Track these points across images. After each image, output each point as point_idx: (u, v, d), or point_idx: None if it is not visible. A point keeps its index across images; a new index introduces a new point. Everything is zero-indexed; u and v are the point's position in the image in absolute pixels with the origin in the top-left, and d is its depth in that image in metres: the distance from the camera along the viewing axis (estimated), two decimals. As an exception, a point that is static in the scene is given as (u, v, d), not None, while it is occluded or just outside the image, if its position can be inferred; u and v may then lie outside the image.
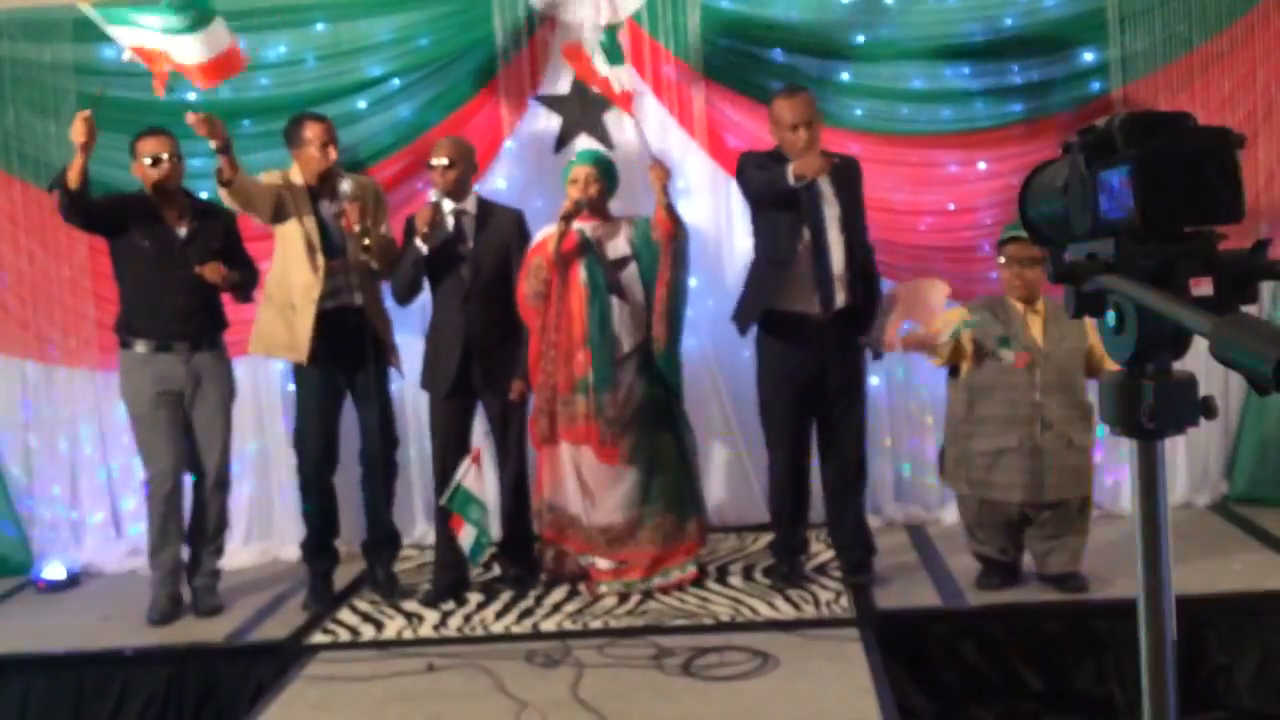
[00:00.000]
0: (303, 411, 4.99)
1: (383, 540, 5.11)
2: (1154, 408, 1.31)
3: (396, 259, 4.89)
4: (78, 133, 4.43)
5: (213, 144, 4.57)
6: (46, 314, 5.65)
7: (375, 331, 4.92)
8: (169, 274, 4.79)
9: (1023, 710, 4.29)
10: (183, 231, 4.85)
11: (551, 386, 4.80)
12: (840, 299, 4.65)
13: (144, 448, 4.94)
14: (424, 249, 4.76)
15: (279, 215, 4.83)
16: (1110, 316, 1.34)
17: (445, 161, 4.83)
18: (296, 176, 4.88)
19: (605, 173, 4.85)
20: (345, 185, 4.75)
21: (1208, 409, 1.34)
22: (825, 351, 4.66)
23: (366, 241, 4.71)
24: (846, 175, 4.71)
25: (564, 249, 4.76)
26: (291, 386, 5.18)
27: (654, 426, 4.82)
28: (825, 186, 4.66)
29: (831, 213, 4.66)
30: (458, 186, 4.87)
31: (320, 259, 4.80)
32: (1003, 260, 4.48)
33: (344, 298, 4.85)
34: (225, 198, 4.72)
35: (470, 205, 4.93)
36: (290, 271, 4.84)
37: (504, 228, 4.96)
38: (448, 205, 4.85)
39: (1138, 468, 1.38)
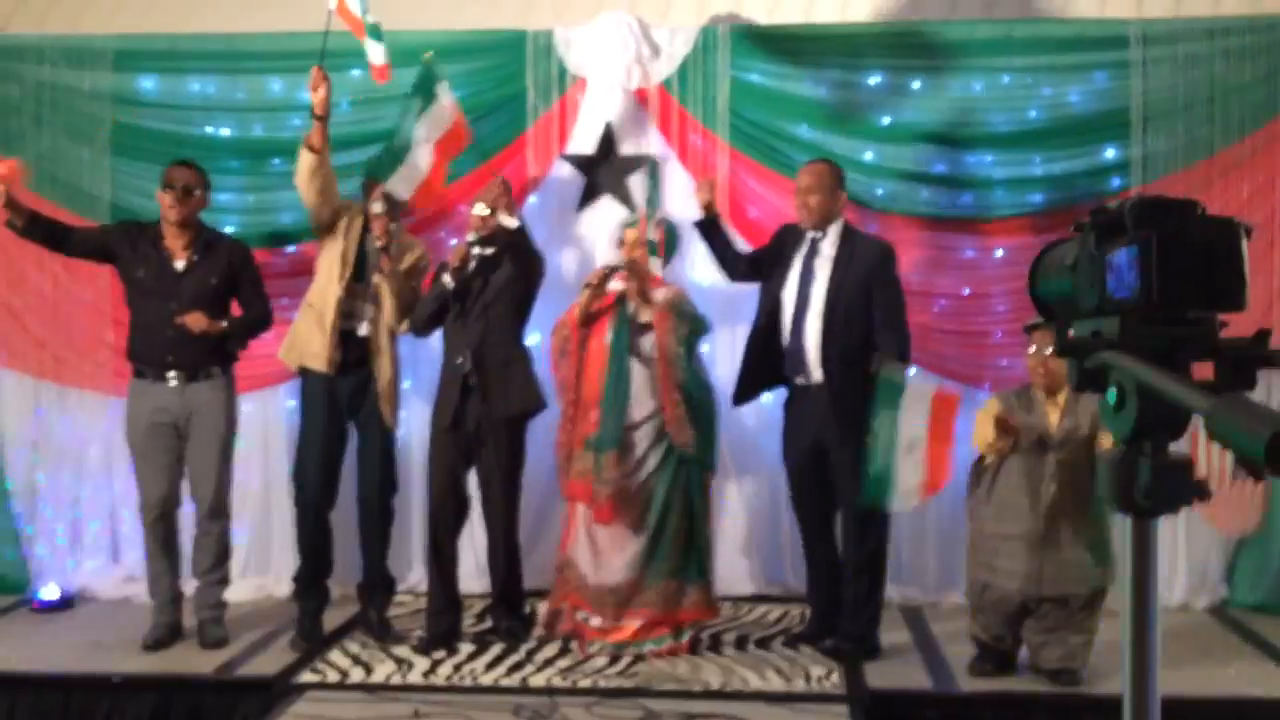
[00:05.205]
0: (306, 441, 5.01)
1: (378, 583, 5.13)
2: (1149, 486, 1.33)
3: (411, 298, 4.99)
4: None
5: (317, 110, 4.72)
6: (65, 336, 5.69)
7: (383, 371, 4.96)
8: (164, 306, 4.82)
9: (1008, 800, 4.26)
10: (180, 265, 4.87)
11: (568, 445, 4.86)
12: (815, 375, 4.67)
13: (138, 476, 4.98)
14: (450, 284, 4.84)
15: (334, 228, 4.93)
16: (1111, 393, 1.36)
17: (487, 211, 4.89)
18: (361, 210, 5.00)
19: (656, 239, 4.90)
20: (378, 206, 4.85)
21: (1202, 491, 1.36)
22: (824, 426, 4.67)
23: (386, 255, 4.82)
24: (856, 258, 4.70)
25: (594, 309, 4.84)
26: (292, 402, 5.20)
27: (668, 493, 4.80)
28: (822, 266, 4.69)
29: (819, 290, 4.69)
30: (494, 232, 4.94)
31: (347, 273, 4.90)
32: (1032, 350, 4.49)
33: (354, 321, 4.93)
34: (306, 169, 4.77)
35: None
36: (326, 284, 4.94)
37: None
38: (476, 249, 4.91)
39: (1131, 543, 1.40)
